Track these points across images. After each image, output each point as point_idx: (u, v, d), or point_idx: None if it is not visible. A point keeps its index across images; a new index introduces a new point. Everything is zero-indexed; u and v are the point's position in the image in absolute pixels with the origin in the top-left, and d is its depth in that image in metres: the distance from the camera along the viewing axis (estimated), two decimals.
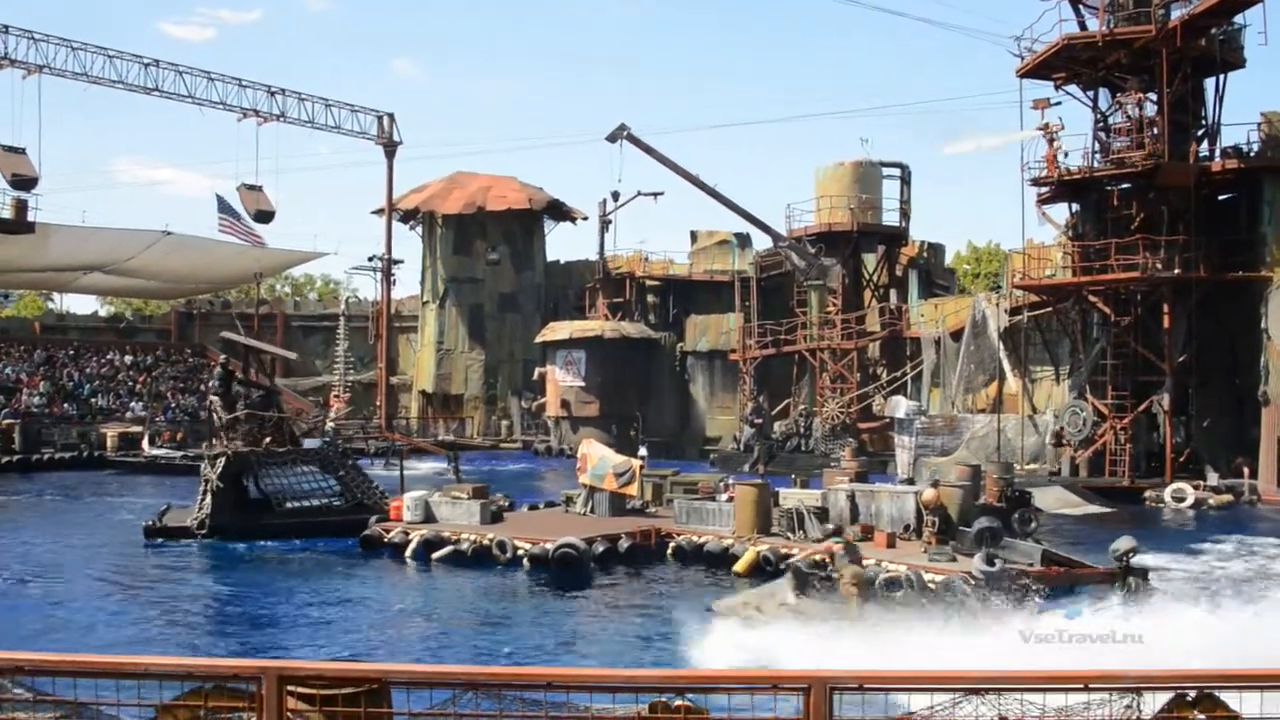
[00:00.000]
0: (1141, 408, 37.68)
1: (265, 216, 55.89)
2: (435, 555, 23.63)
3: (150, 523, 26.81)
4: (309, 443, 33.40)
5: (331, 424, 55.88)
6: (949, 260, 68.89)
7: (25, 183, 45.99)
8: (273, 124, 55.44)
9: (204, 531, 26.13)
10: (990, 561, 18.79)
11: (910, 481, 29.70)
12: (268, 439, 27.90)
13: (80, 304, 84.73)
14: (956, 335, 48.29)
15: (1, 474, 42.91)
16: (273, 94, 55.58)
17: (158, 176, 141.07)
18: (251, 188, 54.81)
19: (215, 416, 28.33)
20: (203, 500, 26.84)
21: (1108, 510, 33.61)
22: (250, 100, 54.74)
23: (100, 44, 49.80)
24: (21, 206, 45.95)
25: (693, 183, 55.61)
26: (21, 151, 45.99)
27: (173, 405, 58.22)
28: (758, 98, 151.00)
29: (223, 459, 26.93)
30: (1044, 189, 39.93)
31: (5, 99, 45.82)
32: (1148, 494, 35.65)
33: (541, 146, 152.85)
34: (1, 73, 46.63)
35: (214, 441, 28.31)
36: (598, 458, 27.34)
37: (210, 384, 31.64)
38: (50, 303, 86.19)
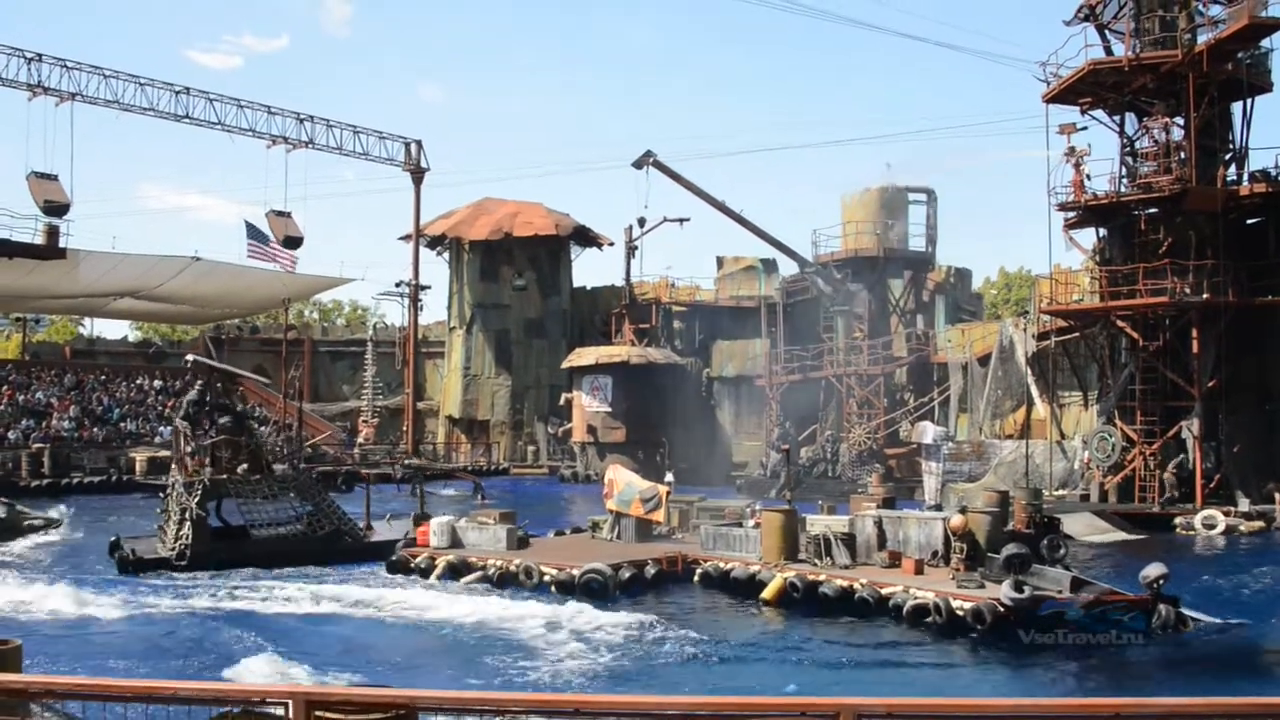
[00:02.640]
0: (1171, 433, 37.43)
1: (294, 242, 56.16)
2: (462, 580, 23.63)
3: (128, 554, 25.92)
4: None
5: (343, 448, 56.04)
6: (978, 285, 68.71)
7: (57, 209, 46.31)
8: (301, 150, 55.80)
9: (183, 562, 25.31)
10: (1019, 588, 18.67)
11: (938, 508, 29.60)
12: (243, 465, 27.38)
13: (110, 329, 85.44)
14: (984, 360, 48.15)
15: (31, 497, 43.08)
16: (301, 121, 55.95)
17: (186, 203, 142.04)
18: (280, 214, 55.11)
19: (182, 442, 27.64)
20: (180, 530, 26.03)
21: (1137, 537, 33.36)
22: (279, 127, 55.17)
23: (130, 72, 50.28)
24: (53, 232, 46.26)
25: (719, 208, 55.71)
26: (54, 178, 46.35)
27: (289, 436, 58.44)
28: (784, 124, 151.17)
29: (200, 486, 26.30)
30: (1071, 214, 39.81)
31: (38, 126, 46.20)
32: (1178, 520, 35.35)
33: (568, 172, 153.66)
34: (35, 100, 47.07)
35: (177, 469, 27.54)
36: (624, 483, 27.31)
37: (179, 409, 30.24)
38: (81, 328, 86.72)
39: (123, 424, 55.78)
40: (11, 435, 49.25)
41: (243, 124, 53.92)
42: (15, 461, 45.74)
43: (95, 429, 54.25)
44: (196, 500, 26.00)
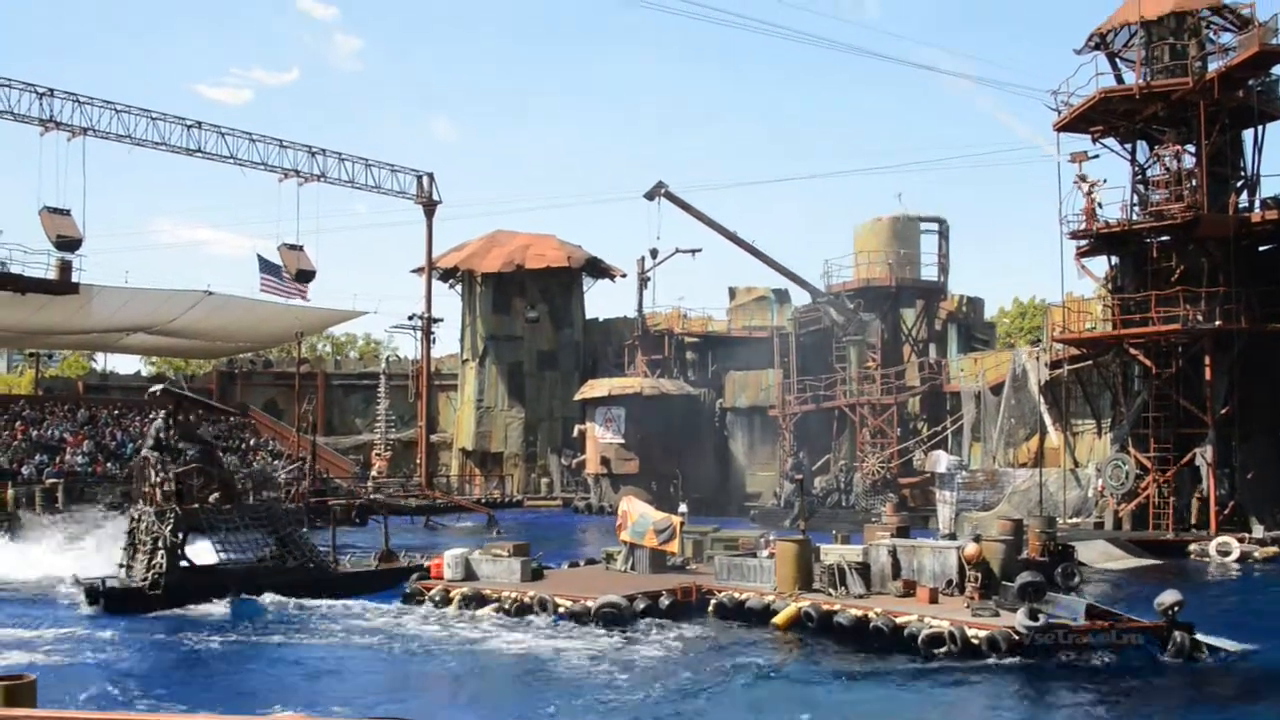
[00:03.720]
0: (1184, 460, 37.34)
1: (306, 276, 56.24)
2: (477, 613, 23.60)
3: (97, 585, 25.07)
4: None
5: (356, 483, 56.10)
6: (990, 314, 68.71)
7: (70, 244, 46.43)
8: (313, 184, 56.00)
9: (157, 592, 24.70)
10: (1034, 616, 18.62)
11: (952, 536, 29.54)
12: (214, 495, 26.85)
13: (123, 364, 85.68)
14: (997, 389, 48.11)
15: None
16: (313, 154, 56.15)
17: (198, 237, 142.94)
18: (293, 247, 55.22)
19: (150, 472, 27.04)
20: (152, 560, 25.35)
21: (1152, 564, 33.24)
22: (291, 161, 55.31)
23: (142, 106, 50.56)
24: (66, 267, 46.41)
25: (731, 239, 55.86)
26: (66, 213, 46.51)
27: (256, 465, 58.54)
28: (795, 154, 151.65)
29: (172, 516, 25.61)
30: (1083, 242, 39.83)
31: (51, 161, 46.41)
32: (1192, 547, 35.22)
33: (580, 204, 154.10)
34: (47, 135, 47.32)
35: (142, 500, 27.02)
36: (638, 515, 27.28)
37: (146, 439, 29.47)
38: (93, 362, 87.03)
39: (136, 459, 55.89)
40: (25, 470, 49.28)
41: (254, 158, 54.10)
42: (29, 497, 45.75)
43: (109, 464, 54.34)
44: (170, 529, 25.42)
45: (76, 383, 71.77)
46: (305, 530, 30.48)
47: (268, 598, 25.45)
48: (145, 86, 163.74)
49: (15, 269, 44.69)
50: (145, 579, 25.09)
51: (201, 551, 26.54)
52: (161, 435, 27.84)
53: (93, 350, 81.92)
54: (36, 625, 22.84)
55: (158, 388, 32.06)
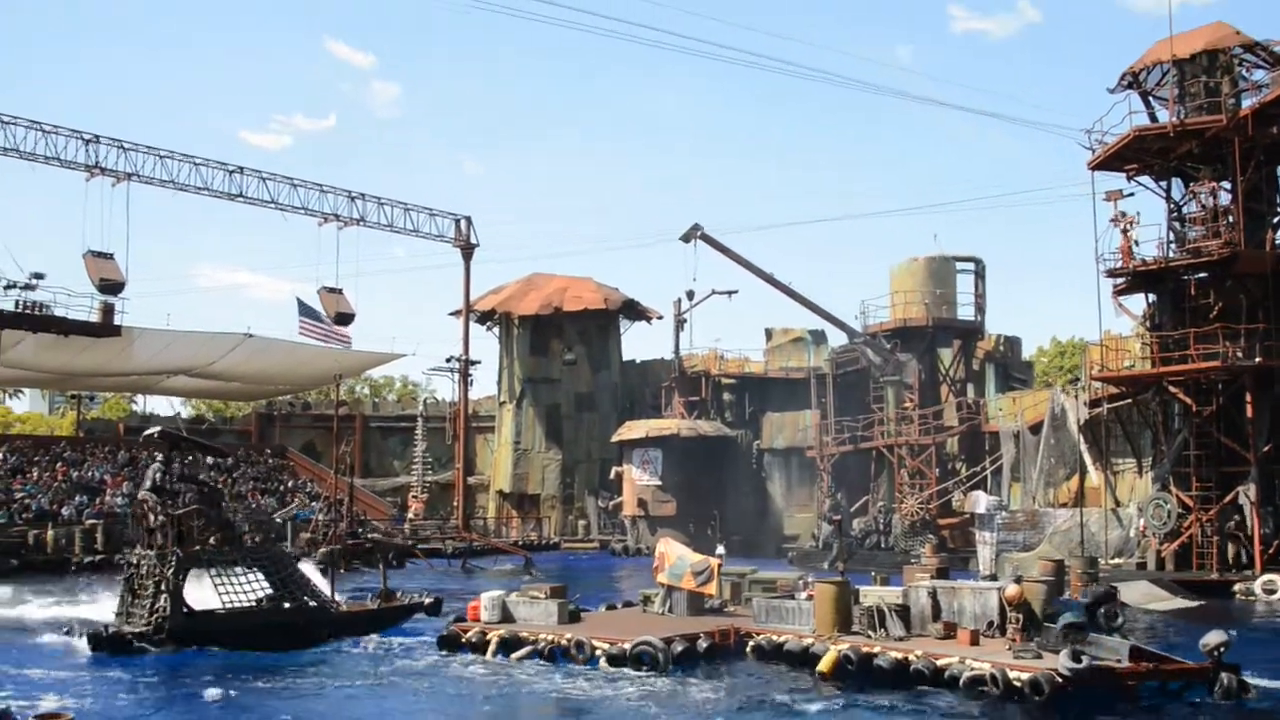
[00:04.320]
0: (1227, 499, 36.94)
1: (345, 319, 56.68)
2: (514, 656, 23.55)
3: (100, 631, 24.61)
4: None
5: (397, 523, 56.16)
6: (1028, 354, 68.36)
7: (113, 287, 47.01)
8: (353, 228, 56.49)
9: (161, 636, 24.15)
10: (1077, 658, 18.43)
11: (993, 577, 29.26)
12: (214, 537, 26.37)
13: (163, 406, 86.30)
14: (1036, 429, 47.80)
15: (85, 573, 43.35)
16: (353, 199, 56.66)
17: (238, 280, 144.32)
18: (332, 290, 55.68)
19: (149, 516, 26.46)
20: (155, 604, 24.74)
21: (1196, 604, 32.85)
22: (331, 205, 55.86)
23: (184, 152, 51.20)
24: (109, 310, 46.99)
25: (767, 280, 55.90)
26: (110, 257, 47.11)
27: (253, 506, 58.76)
28: (831, 195, 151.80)
29: (174, 558, 25.03)
30: (1120, 280, 39.63)
31: (95, 206, 47.08)
32: (1237, 587, 34.80)
33: (617, 247, 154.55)
34: (92, 180, 48.01)
35: (143, 543, 26.47)
36: (675, 556, 27.19)
37: (144, 482, 28.93)
38: (134, 404, 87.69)
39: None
40: (65, 511, 49.66)
41: (295, 202, 54.69)
42: (69, 538, 46.09)
43: (249, 505, 54.72)
44: (172, 572, 24.85)
45: (117, 424, 72.32)
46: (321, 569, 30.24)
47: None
48: (188, 133, 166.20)
49: (59, 311, 45.25)
50: (148, 624, 24.52)
51: (202, 594, 26.14)
52: (158, 478, 27.35)
53: (133, 392, 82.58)
54: (46, 669, 22.60)
55: (154, 430, 31.80)
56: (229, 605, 25.75)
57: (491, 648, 23.98)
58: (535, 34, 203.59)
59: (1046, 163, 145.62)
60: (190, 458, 29.40)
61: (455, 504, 64.91)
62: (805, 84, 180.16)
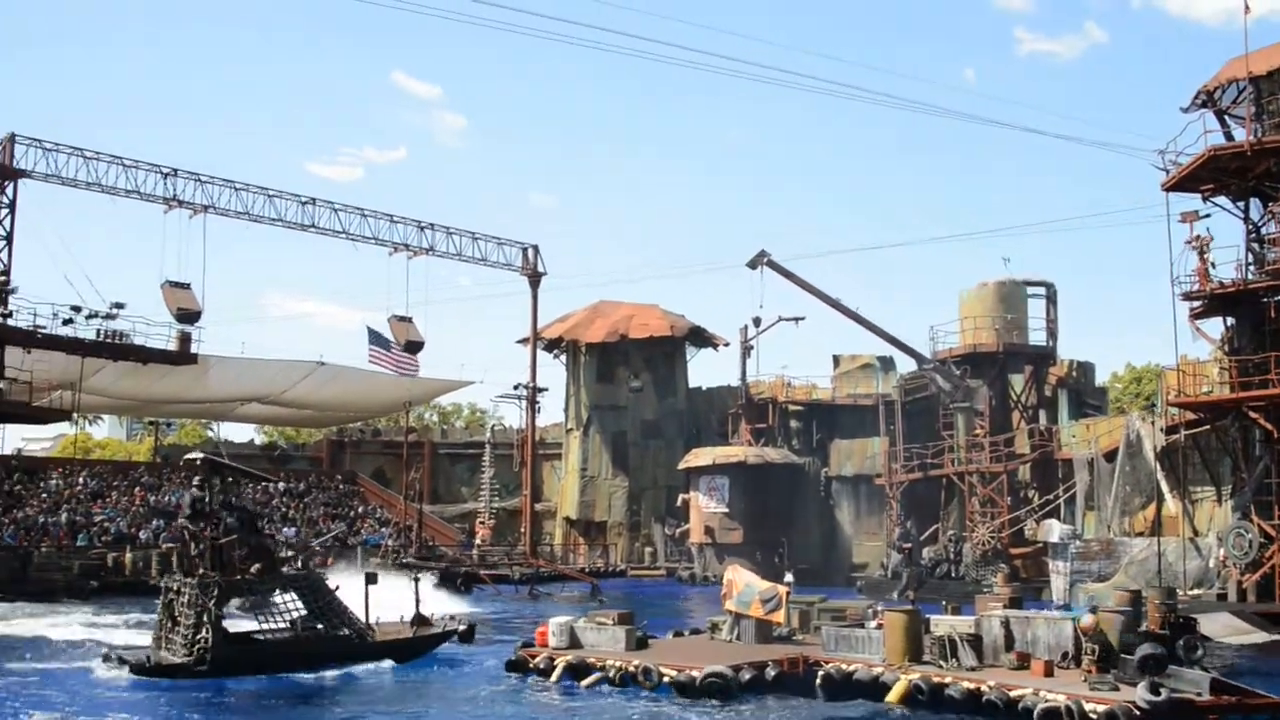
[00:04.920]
0: None
1: (415, 347, 57.00)
2: (583, 682, 23.45)
3: (144, 660, 24.58)
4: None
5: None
6: (1102, 380, 67.40)
7: (189, 316, 47.59)
8: (422, 257, 56.89)
9: (204, 668, 23.90)
10: (1155, 691, 18.02)
11: (1066, 608, 28.79)
12: (256, 565, 25.92)
13: (237, 432, 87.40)
14: (1110, 456, 47.04)
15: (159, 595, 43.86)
16: (422, 229, 57.06)
17: (308, 309, 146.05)
18: (402, 319, 56.04)
19: (191, 544, 26.43)
20: (197, 634, 24.39)
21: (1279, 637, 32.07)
22: (401, 235, 56.27)
23: (259, 184, 51.89)
24: (186, 339, 47.49)
25: (834, 307, 55.58)
26: (187, 287, 47.73)
27: (325, 530, 59.21)
28: (899, 220, 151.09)
29: (215, 588, 24.73)
30: (1197, 303, 38.92)
31: (173, 237, 47.82)
32: None
33: (683, 274, 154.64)
34: (170, 213, 48.77)
35: (182, 570, 26.46)
36: (743, 584, 27.00)
37: (183, 509, 28.68)
38: (209, 431, 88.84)
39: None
40: (143, 535, 50.43)
41: (366, 232, 55.16)
42: (146, 561, 46.69)
43: (284, 530, 55.29)
44: (214, 601, 24.55)
45: (193, 450, 73.21)
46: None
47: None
48: (262, 166, 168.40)
49: (138, 340, 45.88)
50: (190, 654, 24.29)
51: (242, 622, 26.27)
52: (199, 504, 27.17)
53: (209, 419, 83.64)
54: (87, 696, 22.51)
55: (197, 455, 31.70)
56: (269, 634, 25.64)
57: (559, 673, 23.94)
58: (597, 62, 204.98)
59: (1119, 185, 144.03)
60: (231, 480, 28.99)
61: (522, 530, 64.97)
62: (872, 109, 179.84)
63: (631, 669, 23.21)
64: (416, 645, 27.77)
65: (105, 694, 22.86)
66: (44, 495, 54.45)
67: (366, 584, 27.53)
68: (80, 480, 57.36)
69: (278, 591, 26.14)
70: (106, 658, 25.48)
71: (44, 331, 43.47)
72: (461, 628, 29.21)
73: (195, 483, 28.37)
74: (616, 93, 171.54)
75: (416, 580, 30.64)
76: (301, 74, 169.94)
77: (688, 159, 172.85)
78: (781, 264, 56.24)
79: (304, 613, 26.13)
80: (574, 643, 25.37)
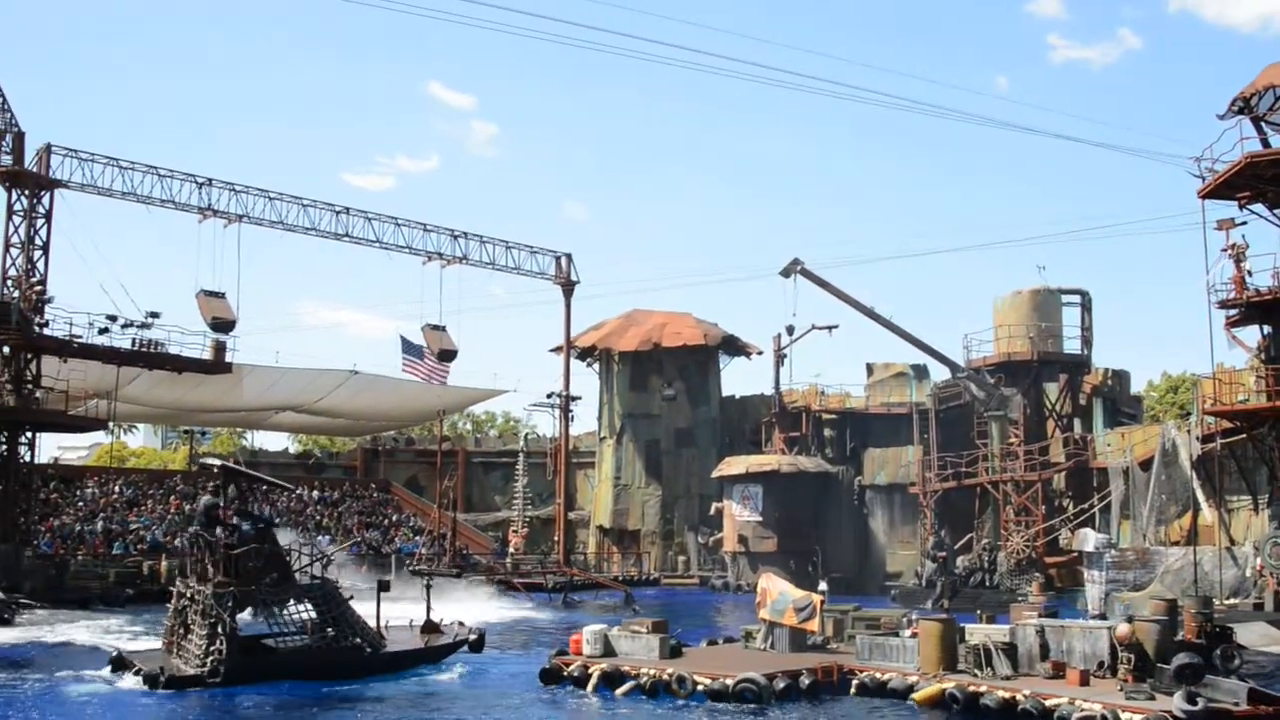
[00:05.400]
0: None
1: (448, 355, 57.28)
2: (618, 691, 23.50)
3: (156, 671, 24.11)
4: None
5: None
6: (1138, 388, 67.00)
7: (224, 325, 47.94)
8: (455, 266, 57.15)
9: (217, 679, 23.63)
10: (1192, 700, 17.95)
11: (1102, 617, 28.64)
12: (271, 574, 25.77)
13: (271, 441, 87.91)
14: (1145, 465, 46.80)
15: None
16: (456, 237, 57.34)
17: (341, 318, 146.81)
18: (436, 328, 56.32)
19: (204, 552, 26.02)
20: (211, 644, 24.19)
21: None
22: (435, 244, 56.58)
23: (293, 194, 52.25)
24: (220, 348, 47.82)
25: (868, 315, 55.50)
26: (221, 296, 48.09)
27: (358, 539, 59.50)
28: (932, 228, 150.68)
29: (231, 597, 24.48)
30: (1233, 311, 38.69)
31: (208, 246, 48.24)
32: None
33: (716, 282, 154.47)
34: (205, 222, 49.21)
35: (194, 577, 26.11)
36: (778, 592, 27.02)
37: (197, 517, 28.47)
38: (243, 440, 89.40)
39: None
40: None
41: (399, 241, 55.49)
42: (182, 568, 47.09)
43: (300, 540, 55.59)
44: (229, 610, 24.33)
45: (228, 459, 73.67)
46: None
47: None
48: (296, 175, 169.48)
49: (173, 349, 46.25)
50: (203, 664, 24.05)
51: (256, 632, 26.00)
52: (214, 512, 26.96)
53: (243, 428, 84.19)
54: (98, 707, 22.38)
55: (215, 462, 31.34)
56: (282, 643, 25.42)
57: (593, 681, 23.99)
58: (629, 70, 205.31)
59: (1155, 192, 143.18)
60: (245, 488, 28.83)
61: (556, 539, 65.14)
62: (904, 116, 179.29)
63: (665, 677, 23.24)
64: (428, 655, 27.66)
65: (115, 703, 22.70)
66: (80, 504, 54.95)
67: (379, 591, 27.60)
68: (116, 489, 57.86)
69: (291, 601, 25.93)
70: (116, 665, 25.27)
71: (80, 341, 43.90)
72: (472, 636, 28.98)
73: (209, 489, 28.20)
74: (648, 100, 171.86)
75: (428, 586, 30.77)
76: (336, 84, 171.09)
77: (720, 167, 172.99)
78: (815, 272, 56.24)
79: (317, 621, 25.88)
80: (608, 651, 25.43)
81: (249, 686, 23.77)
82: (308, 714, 22.05)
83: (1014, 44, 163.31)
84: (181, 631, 25.44)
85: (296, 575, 26.85)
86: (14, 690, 23.46)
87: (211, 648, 24.15)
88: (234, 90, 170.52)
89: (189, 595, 25.55)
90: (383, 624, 27.48)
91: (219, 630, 24.23)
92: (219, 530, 26.38)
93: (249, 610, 25.58)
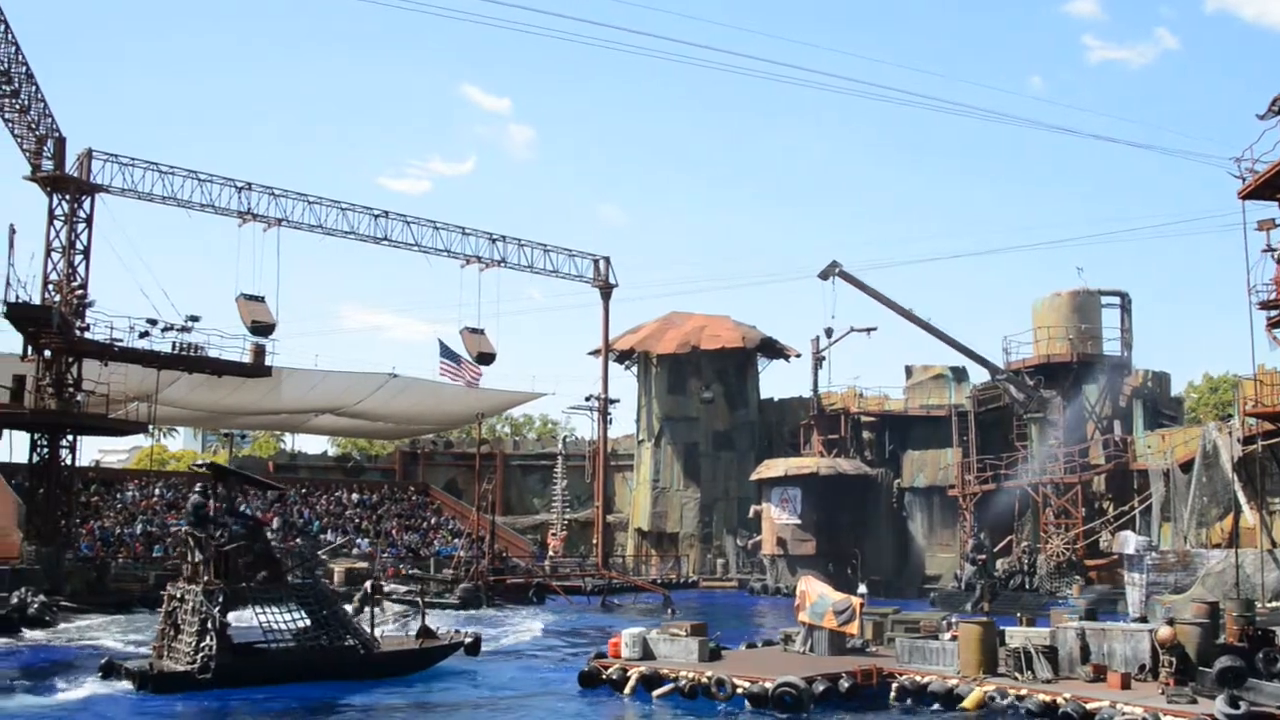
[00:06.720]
0: None
1: (487, 358, 57.55)
2: (655, 693, 23.55)
3: (146, 668, 24.22)
4: None
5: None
6: (1179, 390, 66.50)
7: (264, 329, 48.32)
8: (494, 269, 57.43)
9: (207, 675, 23.52)
10: (1235, 704, 17.86)
11: (1143, 620, 28.51)
12: (261, 573, 25.66)
13: (310, 444, 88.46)
14: (1186, 467, 46.46)
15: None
16: (494, 241, 57.65)
17: (380, 321, 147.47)
18: (474, 331, 56.61)
19: (192, 551, 25.97)
20: (200, 641, 24.08)
21: None
22: (473, 247, 56.91)
23: (331, 198, 52.65)
24: (260, 351, 48.17)
25: (906, 317, 55.33)
26: (261, 299, 48.54)
27: (397, 542, 59.83)
28: (971, 229, 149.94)
29: (221, 595, 24.46)
30: (1274, 312, 38.38)
31: (248, 250, 48.70)
32: None
33: (754, 285, 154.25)
34: (245, 226, 49.68)
35: (186, 578, 25.96)
36: (817, 595, 27.01)
37: (187, 515, 28.07)
38: (282, 443, 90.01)
39: (322, 536, 57.39)
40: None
41: (438, 245, 55.88)
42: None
43: (297, 539, 55.96)
44: (218, 608, 24.25)
45: (267, 462, 74.25)
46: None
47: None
48: (333, 179, 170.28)
49: (213, 352, 46.61)
50: (193, 662, 23.97)
51: (246, 631, 25.82)
52: (202, 511, 26.70)
53: (282, 430, 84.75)
54: (88, 706, 22.39)
55: (203, 461, 31.30)
56: (273, 644, 25.31)
57: (631, 684, 24.04)
58: (664, 73, 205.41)
59: (1194, 193, 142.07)
60: (233, 487, 28.78)
61: (594, 541, 65.31)
62: (941, 118, 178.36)
63: (704, 680, 23.26)
64: (423, 657, 27.65)
65: (103, 707, 22.54)
66: (120, 506, 55.49)
67: (373, 593, 27.56)
68: (156, 492, 58.37)
69: (284, 601, 25.80)
70: (107, 671, 25.10)
71: (120, 344, 44.27)
72: (468, 640, 28.85)
73: (198, 489, 28.25)
74: (684, 103, 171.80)
75: (422, 595, 30.60)
76: (370, 88, 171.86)
77: (758, 168, 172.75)
78: (853, 274, 56.13)
79: (307, 622, 25.82)
80: (646, 654, 25.46)
81: (240, 689, 23.60)
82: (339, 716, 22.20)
83: (1050, 45, 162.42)
84: (172, 633, 25.28)
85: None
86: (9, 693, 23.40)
87: (201, 644, 24.04)
88: (268, 94, 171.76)
89: (179, 596, 25.41)
90: (378, 631, 27.65)
91: (208, 626, 24.15)
92: (209, 529, 26.13)
93: (241, 610, 25.52)
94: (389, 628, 29.90)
